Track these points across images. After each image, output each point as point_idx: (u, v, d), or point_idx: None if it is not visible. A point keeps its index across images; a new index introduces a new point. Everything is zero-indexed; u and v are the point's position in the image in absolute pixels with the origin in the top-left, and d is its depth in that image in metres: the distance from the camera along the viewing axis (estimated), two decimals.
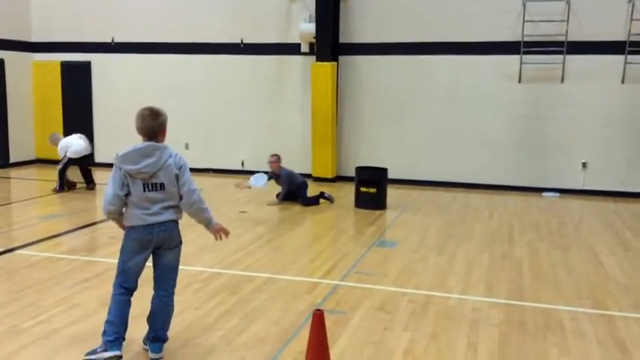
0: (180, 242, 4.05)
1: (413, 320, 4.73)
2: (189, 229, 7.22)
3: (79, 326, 4.49)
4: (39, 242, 6.98)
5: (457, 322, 4.72)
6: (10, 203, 9.65)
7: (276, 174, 9.64)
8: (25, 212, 8.82)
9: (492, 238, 7.57)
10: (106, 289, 5.28)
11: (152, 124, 3.84)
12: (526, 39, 10.79)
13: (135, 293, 3.96)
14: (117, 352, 3.74)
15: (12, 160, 13.13)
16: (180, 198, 3.88)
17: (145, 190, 3.77)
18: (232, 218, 8.39)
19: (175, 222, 3.96)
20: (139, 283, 3.98)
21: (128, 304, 3.90)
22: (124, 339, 3.85)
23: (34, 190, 11.17)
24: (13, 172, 12.50)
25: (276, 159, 9.64)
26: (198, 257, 6.35)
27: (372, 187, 9.28)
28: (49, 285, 5.44)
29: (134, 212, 3.80)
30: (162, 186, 3.79)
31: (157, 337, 3.96)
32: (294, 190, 9.64)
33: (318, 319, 3.43)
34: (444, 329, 4.56)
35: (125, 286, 3.90)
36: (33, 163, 13.61)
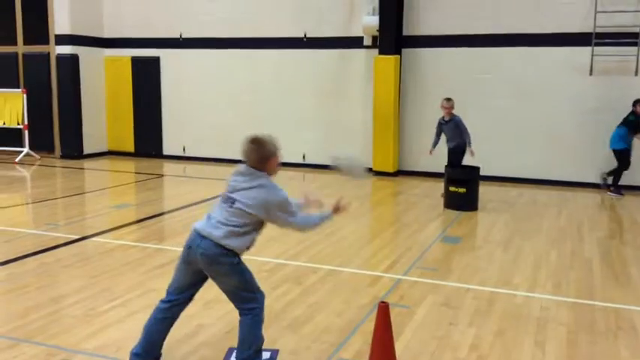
0: (227, 273, 3.50)
1: (478, 317, 4.68)
2: None
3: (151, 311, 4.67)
4: (112, 230, 7.29)
5: (524, 320, 4.64)
6: (83, 193, 10.10)
7: (446, 121, 9.30)
8: (98, 202, 9.22)
9: (561, 235, 7.37)
10: None
11: (251, 157, 3.55)
12: (598, 30, 10.41)
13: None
14: None
15: (85, 151, 13.72)
16: None
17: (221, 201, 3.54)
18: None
19: (219, 246, 3.42)
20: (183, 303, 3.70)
21: (160, 313, 3.62)
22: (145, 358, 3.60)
23: (106, 180, 11.64)
24: (87, 164, 13.06)
25: (451, 104, 9.27)
26: (263, 248, 6.47)
27: (461, 186, 8.75)
28: (122, 271, 5.68)
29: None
30: (232, 202, 3.47)
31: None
32: (451, 148, 9.27)
33: (384, 310, 3.45)
34: (510, 327, 4.49)
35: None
36: (105, 155, 14.17)
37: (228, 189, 3.54)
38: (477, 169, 9.02)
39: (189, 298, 3.68)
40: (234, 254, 3.49)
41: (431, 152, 9.55)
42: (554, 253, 6.55)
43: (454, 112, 9.35)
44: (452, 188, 8.83)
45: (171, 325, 3.66)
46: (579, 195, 10.17)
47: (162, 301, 3.64)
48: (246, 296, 3.54)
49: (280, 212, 3.52)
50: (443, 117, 9.40)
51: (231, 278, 3.51)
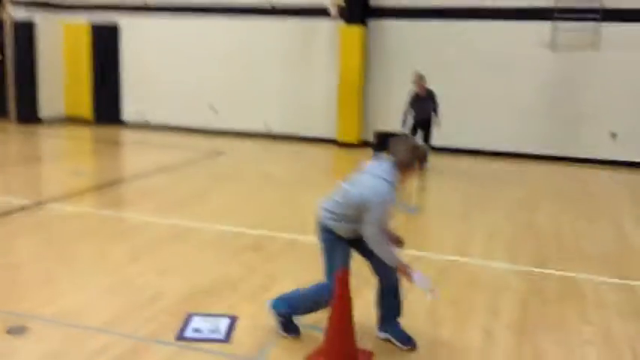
0: (325, 240, 3.72)
1: (433, 284, 4.78)
2: (215, 188, 7.30)
3: (109, 278, 4.65)
4: (69, 197, 7.15)
5: (478, 288, 4.77)
6: (40, 158, 9.86)
7: (421, 97, 9.29)
8: (54, 168, 9.02)
9: (517, 206, 7.55)
10: (136, 242, 5.46)
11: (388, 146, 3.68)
12: (560, 5, 10.54)
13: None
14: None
15: (42, 116, 13.33)
16: None
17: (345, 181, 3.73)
18: (256, 180, 8.48)
19: (325, 226, 3.69)
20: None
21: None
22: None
23: (64, 146, 11.38)
24: (43, 129, 12.71)
25: (421, 79, 9.27)
26: (223, 217, 6.47)
27: None
28: (79, 238, 5.60)
29: None
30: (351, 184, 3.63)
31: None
32: (424, 121, 9.33)
33: (343, 277, 3.50)
34: (465, 294, 4.62)
35: None
36: (62, 121, 13.81)
37: None
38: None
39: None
40: None
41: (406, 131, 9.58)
42: (509, 223, 6.72)
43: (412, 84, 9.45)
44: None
45: None
46: (538, 167, 10.40)
47: None
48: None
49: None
50: (417, 93, 9.40)
51: None
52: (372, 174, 3.59)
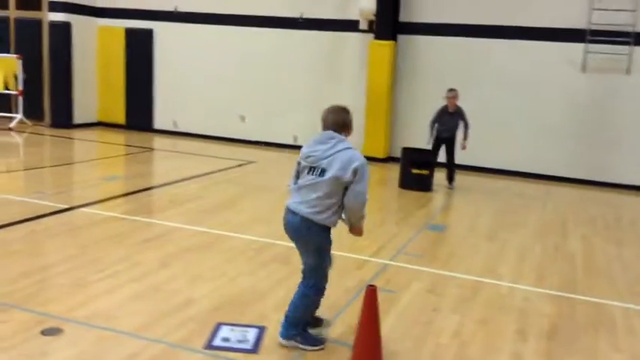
0: (318, 248, 3.75)
1: (462, 304, 4.78)
2: (244, 198, 7.38)
3: (140, 283, 4.72)
4: (100, 202, 7.28)
5: (507, 309, 4.74)
6: (73, 163, 10.05)
7: (449, 112, 9.26)
8: (87, 172, 9.19)
9: (546, 229, 7.49)
10: (166, 249, 5.54)
11: (333, 118, 3.76)
12: (592, 27, 10.47)
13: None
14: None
15: (75, 121, 13.61)
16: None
17: (308, 174, 3.68)
18: (284, 191, 8.52)
19: (310, 221, 3.64)
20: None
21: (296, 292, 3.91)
22: (309, 323, 3.95)
23: (96, 151, 11.59)
24: (76, 134, 12.96)
25: (456, 94, 9.24)
26: (251, 227, 6.53)
27: (424, 169, 9.23)
28: (110, 243, 5.70)
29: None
30: (322, 173, 3.60)
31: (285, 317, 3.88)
32: (448, 138, 9.31)
33: (372, 293, 3.51)
34: (493, 316, 4.59)
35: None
36: (95, 126, 14.07)
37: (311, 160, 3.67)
38: (431, 153, 9.43)
39: None
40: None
41: (430, 142, 9.47)
42: (538, 246, 6.67)
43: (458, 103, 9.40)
44: (415, 170, 9.19)
45: None
46: (565, 190, 10.30)
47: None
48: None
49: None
50: (446, 106, 9.36)
51: None
52: (336, 149, 3.62)
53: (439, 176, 9.53)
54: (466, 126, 9.34)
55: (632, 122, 10.54)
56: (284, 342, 3.83)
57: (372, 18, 11.67)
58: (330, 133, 3.70)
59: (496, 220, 7.78)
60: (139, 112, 13.86)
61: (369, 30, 11.84)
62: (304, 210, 3.64)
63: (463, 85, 11.26)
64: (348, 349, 3.73)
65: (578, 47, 10.68)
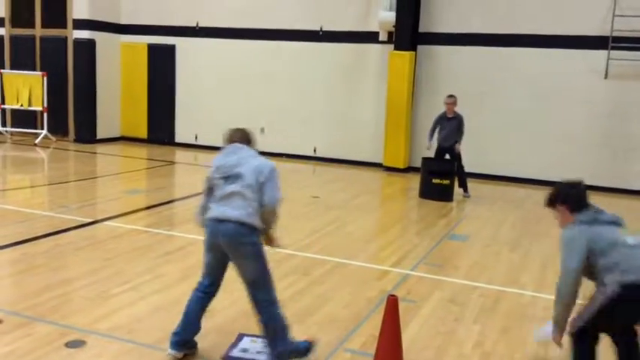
0: (258, 251, 3.64)
1: (483, 314, 4.73)
2: None
3: (161, 295, 4.76)
4: (123, 215, 7.38)
5: (529, 319, 4.69)
6: (96, 177, 10.21)
7: (447, 117, 9.39)
8: (110, 186, 9.32)
9: None
10: (187, 262, 5.58)
11: (239, 135, 3.89)
12: (615, 34, 10.36)
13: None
14: (171, 352, 3.71)
15: (99, 136, 13.83)
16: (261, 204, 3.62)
17: (225, 184, 3.63)
18: (305, 202, 8.57)
19: (245, 224, 3.54)
20: (220, 286, 3.85)
21: (197, 301, 3.78)
22: (186, 341, 3.75)
23: (119, 165, 11.75)
24: (100, 148, 13.17)
25: (454, 101, 9.40)
26: None
27: (444, 178, 9.20)
28: (133, 256, 5.77)
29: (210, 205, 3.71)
30: (240, 178, 3.59)
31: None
32: (449, 147, 9.33)
33: (393, 303, 3.50)
34: (515, 325, 4.54)
35: (200, 281, 3.84)
36: (118, 140, 14.28)
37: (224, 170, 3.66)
38: (452, 162, 9.37)
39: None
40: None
41: (429, 147, 9.58)
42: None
43: (456, 109, 9.41)
44: (435, 180, 9.13)
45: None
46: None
47: (203, 290, 3.85)
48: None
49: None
50: (445, 112, 9.44)
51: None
52: (246, 157, 3.69)
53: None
54: (461, 133, 9.32)
55: None
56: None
57: (392, 29, 11.71)
58: (238, 144, 3.78)
59: (519, 229, 7.70)
60: (161, 126, 14.05)
61: (389, 41, 11.87)
62: (236, 214, 3.53)
63: (484, 94, 11.28)
64: (370, 358, 3.71)
65: (600, 54, 10.57)
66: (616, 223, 3.41)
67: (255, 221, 3.58)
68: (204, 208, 3.75)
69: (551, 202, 3.61)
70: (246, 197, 3.56)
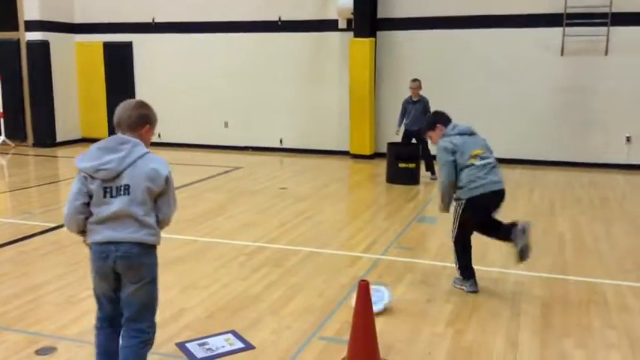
0: (153, 276, 3.10)
1: (454, 293, 4.80)
2: (232, 204, 7.38)
3: None
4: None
5: (499, 295, 4.77)
6: (58, 181, 10.00)
7: (412, 100, 9.51)
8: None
9: (533, 213, 7.53)
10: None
11: (130, 113, 3.04)
12: (569, 11, 10.55)
13: None
14: None
15: (58, 139, 13.53)
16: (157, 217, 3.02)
17: (105, 196, 2.89)
18: (273, 194, 8.54)
19: (140, 245, 2.96)
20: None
21: (109, 338, 3.14)
22: None
23: None
24: (60, 151, 12.89)
25: (419, 84, 9.51)
26: (242, 232, 6.52)
27: (410, 162, 9.28)
28: None
29: (90, 226, 2.94)
30: (127, 190, 2.89)
31: None
32: (416, 131, 9.28)
33: (364, 288, 3.52)
34: (486, 302, 4.62)
35: (99, 316, 3.19)
36: (79, 142, 14.00)
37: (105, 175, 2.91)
38: (418, 146, 9.52)
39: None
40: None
41: (398, 132, 9.71)
42: None
43: (421, 93, 9.52)
44: (402, 165, 9.24)
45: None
46: (551, 173, 10.37)
47: (109, 323, 3.22)
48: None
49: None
50: (410, 97, 9.56)
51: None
52: (135, 156, 2.94)
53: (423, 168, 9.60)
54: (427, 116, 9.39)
55: (612, 102, 10.64)
56: None
57: (351, 16, 11.70)
58: (120, 137, 2.96)
59: None
60: None
61: (348, 28, 11.87)
62: (133, 235, 2.92)
63: (444, 77, 11.37)
64: (345, 344, 3.73)
65: (555, 31, 10.76)
66: (470, 133, 5.15)
67: (156, 239, 3.04)
68: (81, 212, 2.93)
69: (432, 125, 5.06)
70: (141, 212, 2.92)
